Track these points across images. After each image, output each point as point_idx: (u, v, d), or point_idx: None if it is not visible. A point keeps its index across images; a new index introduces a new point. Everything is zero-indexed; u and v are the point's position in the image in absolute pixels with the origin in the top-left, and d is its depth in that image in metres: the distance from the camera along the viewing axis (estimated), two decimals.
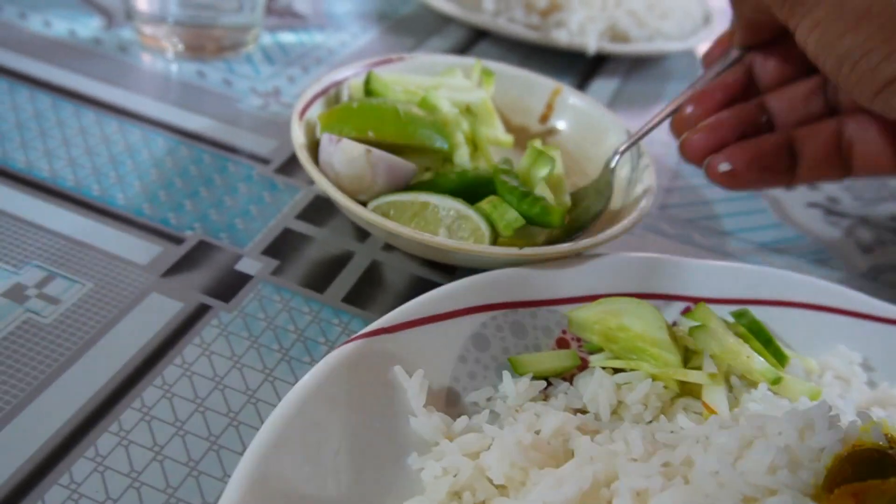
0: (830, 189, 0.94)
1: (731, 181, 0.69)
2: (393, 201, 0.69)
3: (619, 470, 0.48)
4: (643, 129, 0.74)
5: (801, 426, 0.48)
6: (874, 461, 0.46)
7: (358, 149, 0.68)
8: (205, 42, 0.92)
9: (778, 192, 0.92)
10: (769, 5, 0.63)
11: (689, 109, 0.72)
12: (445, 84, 0.81)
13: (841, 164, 0.70)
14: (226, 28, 0.93)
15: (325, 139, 0.69)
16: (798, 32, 0.61)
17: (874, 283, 0.81)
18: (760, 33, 0.70)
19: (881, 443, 0.48)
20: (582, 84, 1.05)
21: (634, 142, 0.74)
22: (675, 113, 0.74)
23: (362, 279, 0.69)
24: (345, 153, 0.68)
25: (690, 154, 0.70)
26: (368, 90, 0.77)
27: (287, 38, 1.02)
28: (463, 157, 0.74)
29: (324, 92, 0.77)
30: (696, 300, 0.67)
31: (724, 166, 0.68)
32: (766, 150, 0.69)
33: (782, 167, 0.70)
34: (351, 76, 0.79)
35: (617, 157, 0.74)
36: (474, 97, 0.81)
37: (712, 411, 0.56)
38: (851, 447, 0.47)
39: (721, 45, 0.75)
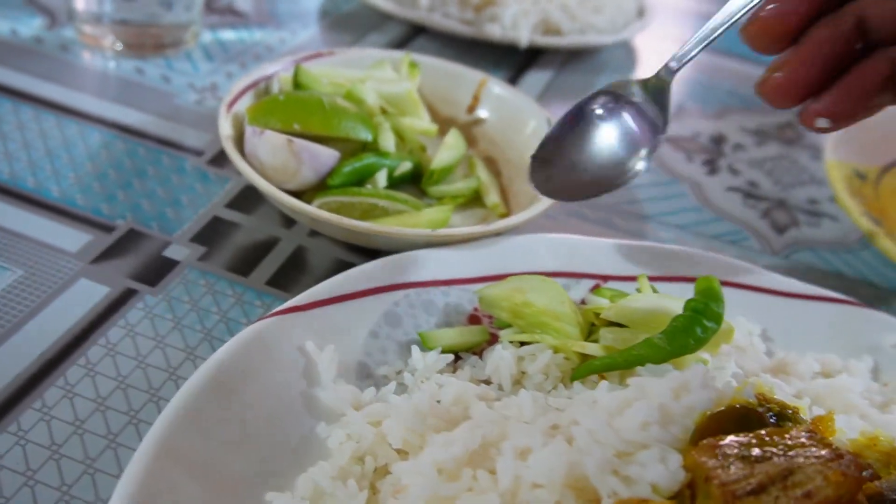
0: (751, 174, 0.98)
1: (833, 129, 0.59)
2: (341, 202, 0.72)
3: (509, 431, 0.51)
4: (710, 31, 0.61)
5: (676, 386, 0.51)
6: (739, 417, 0.50)
7: (280, 139, 0.71)
8: (144, 40, 0.95)
9: (699, 177, 0.95)
10: None
11: (764, 13, 0.58)
12: (372, 76, 0.84)
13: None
14: (164, 26, 0.95)
15: (249, 131, 0.72)
16: None
17: (786, 261, 0.85)
18: None
19: (751, 401, 0.51)
20: (515, 77, 1.08)
21: (702, 48, 0.62)
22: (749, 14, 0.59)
23: (287, 264, 0.72)
24: (268, 143, 0.71)
25: (776, 99, 0.58)
26: (297, 83, 0.80)
27: (227, 35, 1.04)
28: (387, 141, 0.77)
29: (253, 85, 0.80)
30: (603, 278, 0.70)
31: (822, 122, 0.58)
32: (871, 90, 0.57)
33: (888, 96, 0.58)
34: (280, 70, 0.82)
35: (675, 65, 0.63)
36: (399, 89, 0.84)
37: (603, 377, 0.59)
38: (724, 405, 0.51)
39: None
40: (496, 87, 0.88)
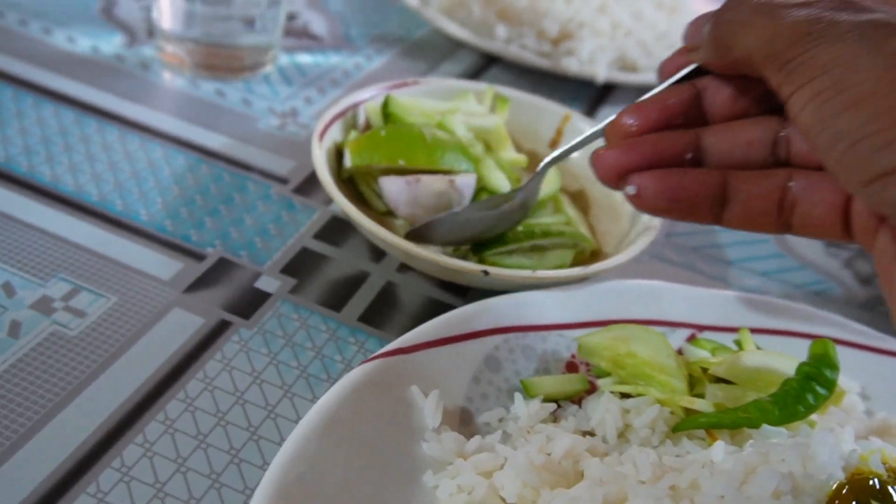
0: None
1: (638, 204, 0.60)
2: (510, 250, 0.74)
3: (629, 492, 0.50)
4: (580, 139, 0.67)
5: (804, 454, 0.50)
6: (874, 490, 0.48)
7: (441, 182, 0.70)
8: (224, 61, 0.95)
9: None
10: (760, 66, 0.55)
11: (624, 120, 0.62)
12: (461, 109, 0.84)
13: (780, 220, 0.61)
14: (245, 48, 0.95)
15: (399, 183, 0.71)
16: (792, 101, 0.53)
17: (871, 313, 0.83)
18: (729, 65, 0.59)
19: (880, 471, 0.50)
20: (590, 111, 1.07)
21: (567, 152, 0.68)
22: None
23: (377, 299, 0.71)
24: (430, 189, 0.70)
25: (599, 169, 0.60)
26: (386, 113, 0.80)
27: (304, 59, 1.04)
28: (498, 180, 0.77)
29: (342, 114, 0.80)
30: (700, 328, 0.69)
31: (630, 189, 0.59)
32: (687, 184, 0.60)
33: (705, 207, 0.60)
34: (368, 98, 0.82)
35: (543, 165, 0.69)
36: (489, 122, 0.83)
37: (715, 438, 0.57)
38: (851, 475, 0.50)
39: (681, 57, 0.64)
40: (580, 123, 0.88)
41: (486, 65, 1.12)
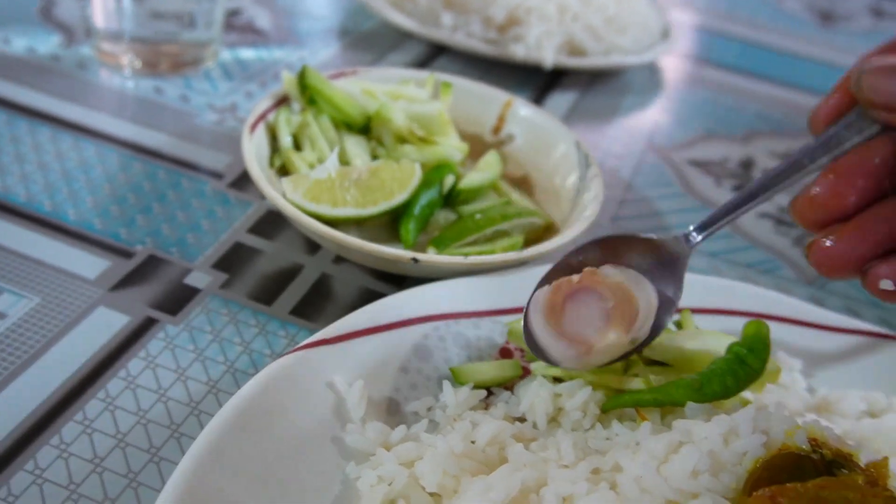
0: (781, 199, 0.95)
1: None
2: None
3: (549, 476, 0.49)
4: (738, 203, 0.58)
5: (726, 431, 0.49)
6: (793, 464, 0.47)
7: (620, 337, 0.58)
8: (162, 58, 0.93)
9: None
10: None
11: (816, 190, 0.55)
12: (404, 95, 0.82)
13: None
14: (183, 44, 0.94)
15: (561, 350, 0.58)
16: None
17: (821, 291, 0.82)
18: None
19: (805, 446, 0.49)
20: (539, 97, 1.06)
21: (728, 220, 0.59)
22: (800, 193, 0.57)
23: (311, 291, 0.70)
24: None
25: (824, 267, 0.54)
26: (303, 85, 0.78)
27: (247, 53, 1.02)
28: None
29: (275, 106, 0.78)
30: None
31: (888, 284, 0.53)
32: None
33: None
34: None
35: (697, 236, 0.60)
36: (431, 109, 0.82)
37: (645, 418, 0.56)
38: (774, 452, 0.48)
39: (836, 107, 0.57)
40: (522, 108, 0.86)
41: (434, 54, 1.10)
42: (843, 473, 0.48)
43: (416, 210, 0.73)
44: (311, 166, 0.75)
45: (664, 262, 0.60)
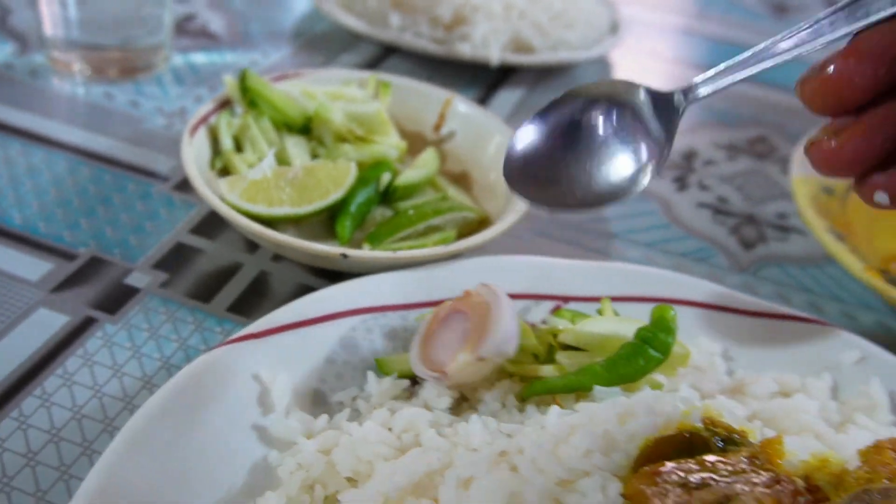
0: (721, 189, 0.98)
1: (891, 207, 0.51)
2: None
3: (455, 458, 0.51)
4: (743, 63, 0.54)
5: (622, 412, 0.51)
6: (683, 443, 0.50)
7: (470, 357, 0.58)
8: (112, 65, 0.95)
9: (669, 194, 0.96)
10: None
11: (830, 71, 0.49)
12: (344, 95, 0.85)
13: None
14: (134, 50, 0.96)
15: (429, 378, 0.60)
16: None
17: (753, 277, 0.85)
18: None
19: (698, 425, 0.51)
20: (487, 95, 1.08)
21: (730, 81, 0.54)
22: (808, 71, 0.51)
23: (249, 289, 0.72)
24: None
25: (824, 167, 0.51)
26: (244, 87, 0.80)
27: (198, 58, 1.05)
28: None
29: (217, 109, 0.81)
30: (564, 299, 0.70)
31: (882, 197, 0.51)
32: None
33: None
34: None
35: (698, 91, 0.55)
36: (369, 108, 0.84)
37: (560, 405, 0.59)
38: (668, 431, 0.51)
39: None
40: (461, 106, 0.89)
41: (384, 55, 1.13)
42: (734, 451, 0.50)
43: (353, 208, 0.75)
44: (252, 167, 0.77)
45: (659, 109, 0.56)
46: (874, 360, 0.68)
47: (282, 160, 0.79)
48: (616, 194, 0.55)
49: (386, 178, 0.78)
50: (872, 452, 0.53)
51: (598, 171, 0.55)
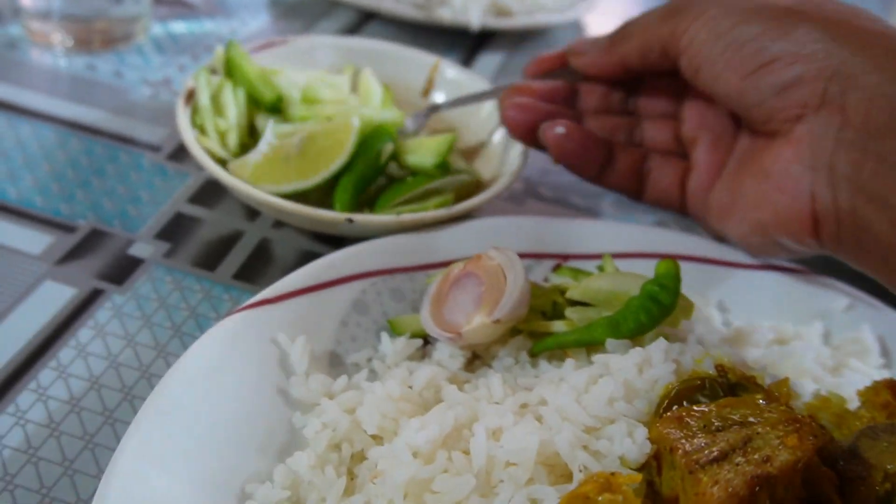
0: None
1: (560, 144, 0.72)
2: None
3: (480, 412, 0.53)
4: (468, 96, 0.82)
5: (640, 362, 0.53)
6: (701, 388, 0.52)
7: (486, 320, 0.59)
8: (93, 35, 0.94)
9: None
10: (655, 30, 0.69)
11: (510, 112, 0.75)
12: (346, 103, 0.84)
13: (637, 186, 0.75)
14: (114, 20, 0.95)
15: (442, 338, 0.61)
16: (689, 33, 0.66)
17: None
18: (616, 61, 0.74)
19: (711, 372, 0.54)
20: (468, 59, 1.09)
21: (453, 104, 0.83)
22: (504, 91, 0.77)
23: (252, 256, 0.73)
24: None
25: (517, 116, 0.74)
26: (228, 58, 0.79)
27: (178, 27, 1.04)
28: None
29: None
30: (564, 257, 0.72)
31: (559, 129, 0.72)
32: (594, 137, 0.74)
33: (600, 161, 0.74)
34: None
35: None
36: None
37: (573, 358, 0.60)
38: (685, 378, 0.53)
39: (551, 62, 0.79)
40: (449, 70, 0.89)
41: (364, 20, 1.13)
42: (747, 395, 0.53)
43: (354, 176, 0.75)
44: (221, 135, 0.77)
45: None
46: (862, 307, 0.71)
47: (249, 135, 0.79)
48: None
49: (388, 148, 0.78)
50: (871, 393, 0.56)
51: None
